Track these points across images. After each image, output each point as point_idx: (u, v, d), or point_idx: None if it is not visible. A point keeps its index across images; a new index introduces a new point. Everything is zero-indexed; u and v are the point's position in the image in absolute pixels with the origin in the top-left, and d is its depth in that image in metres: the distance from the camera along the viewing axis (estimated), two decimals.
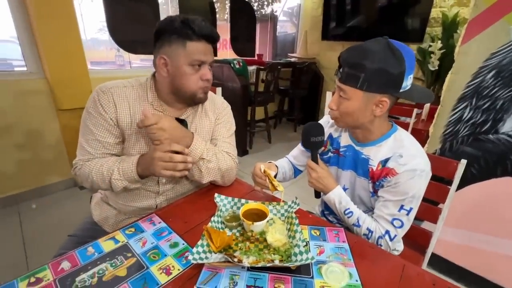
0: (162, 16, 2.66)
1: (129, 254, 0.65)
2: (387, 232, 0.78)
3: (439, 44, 2.49)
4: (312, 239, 0.73)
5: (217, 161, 0.91)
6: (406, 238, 0.87)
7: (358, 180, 0.87)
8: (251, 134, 3.25)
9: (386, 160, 0.78)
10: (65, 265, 0.62)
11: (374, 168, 0.81)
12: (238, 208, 0.81)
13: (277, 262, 0.61)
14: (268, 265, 0.59)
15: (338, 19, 3.80)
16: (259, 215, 0.74)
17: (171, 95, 0.87)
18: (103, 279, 0.58)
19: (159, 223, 0.78)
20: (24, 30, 1.85)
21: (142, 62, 3.02)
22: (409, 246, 0.99)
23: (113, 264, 0.62)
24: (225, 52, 3.77)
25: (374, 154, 0.81)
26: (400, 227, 0.77)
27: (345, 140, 0.90)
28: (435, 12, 2.93)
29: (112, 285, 0.57)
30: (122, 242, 0.70)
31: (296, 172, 1.10)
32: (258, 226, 0.71)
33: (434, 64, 2.57)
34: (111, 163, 0.82)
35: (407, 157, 0.75)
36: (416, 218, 0.81)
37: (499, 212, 1.32)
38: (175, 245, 0.69)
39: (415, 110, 1.85)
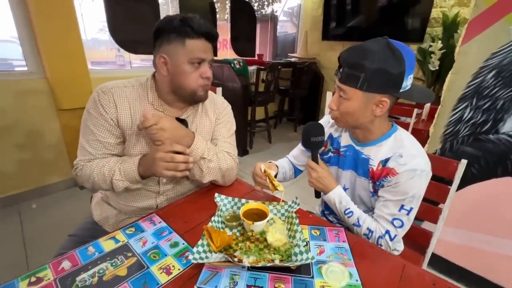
0: (163, 16, 2.66)
1: (130, 254, 0.65)
2: (387, 232, 0.78)
3: (439, 44, 2.49)
4: (312, 239, 0.73)
5: (218, 160, 0.91)
6: (406, 238, 0.87)
7: (358, 180, 0.87)
8: (251, 134, 3.25)
9: (386, 160, 0.78)
10: (66, 264, 0.62)
11: (374, 168, 0.81)
12: (239, 208, 0.81)
13: (277, 262, 0.61)
14: (268, 264, 0.59)
15: (339, 19, 3.80)
16: (259, 215, 0.74)
17: (172, 95, 0.87)
18: (103, 279, 0.58)
19: (160, 222, 0.78)
20: (24, 30, 1.85)
21: (142, 62, 3.02)
22: (409, 246, 0.99)
23: (114, 264, 0.62)
24: (226, 52, 3.77)
25: (374, 154, 0.81)
26: (400, 227, 0.77)
27: (345, 140, 0.90)
28: (435, 12, 2.93)
29: (113, 285, 0.57)
30: (122, 241, 0.70)
31: (296, 172, 1.10)
32: (258, 226, 0.71)
33: (434, 64, 2.57)
34: (112, 164, 0.82)
35: (407, 157, 0.75)
36: (416, 218, 0.81)
37: (499, 212, 1.31)
38: (175, 244, 0.69)
39: (416, 110, 1.85)
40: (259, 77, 3.03)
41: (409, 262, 0.67)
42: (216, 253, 0.63)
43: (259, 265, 0.59)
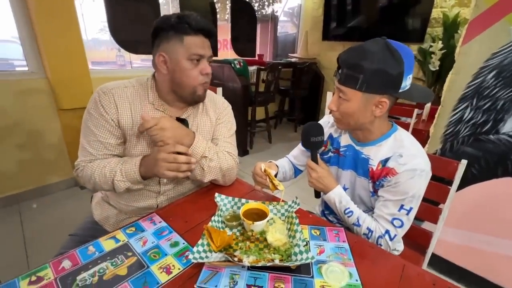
0: None
1: (130, 253, 0.66)
2: (387, 231, 0.78)
3: (439, 44, 2.49)
4: (312, 239, 0.73)
5: (219, 160, 0.91)
6: (406, 238, 0.87)
7: (358, 180, 0.87)
8: (251, 134, 3.25)
9: (386, 160, 0.78)
10: (66, 264, 0.62)
11: (374, 168, 0.81)
12: (239, 207, 0.82)
13: (277, 262, 0.61)
14: (268, 264, 0.59)
15: (339, 20, 3.80)
16: (259, 215, 0.74)
17: (172, 94, 0.88)
18: (103, 278, 0.58)
19: (160, 222, 0.78)
20: (25, 30, 1.86)
21: (143, 62, 3.03)
22: (410, 246, 1.00)
23: (114, 263, 0.62)
24: (226, 52, 3.77)
25: (374, 154, 0.82)
26: (400, 226, 0.77)
27: (345, 140, 0.90)
28: (435, 13, 2.93)
29: (113, 284, 0.57)
30: (122, 241, 0.70)
31: (297, 172, 1.11)
32: (258, 225, 0.71)
33: (434, 64, 2.57)
34: (113, 165, 0.82)
35: (407, 157, 0.75)
36: (416, 218, 0.81)
37: (499, 212, 1.31)
38: (175, 244, 0.69)
39: (416, 111, 1.85)
40: (259, 77, 3.03)
41: (409, 262, 0.67)
42: (216, 252, 0.63)
43: (259, 264, 0.59)
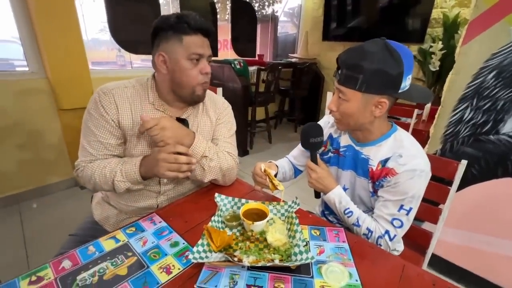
0: None
1: (130, 253, 0.66)
2: (387, 232, 0.78)
3: (440, 44, 2.49)
4: (312, 239, 0.73)
5: (219, 159, 0.91)
6: (406, 239, 0.88)
7: (358, 180, 0.87)
8: (251, 134, 3.25)
9: (386, 160, 0.78)
10: (66, 264, 0.62)
11: (374, 168, 0.81)
12: (239, 207, 0.82)
13: (277, 262, 0.61)
14: (268, 264, 0.59)
15: (339, 20, 3.80)
16: (259, 215, 0.74)
17: (172, 94, 0.88)
18: (103, 278, 0.58)
19: (160, 222, 0.78)
20: (26, 30, 1.86)
21: (143, 62, 3.03)
22: (409, 247, 1.00)
23: (114, 263, 0.62)
24: (226, 52, 3.77)
25: (374, 154, 0.82)
26: (400, 227, 0.78)
27: (345, 140, 0.91)
28: (436, 13, 2.93)
29: (113, 284, 0.57)
30: (122, 241, 0.70)
31: (296, 172, 1.11)
32: (258, 225, 0.71)
33: (435, 64, 2.57)
34: (113, 165, 0.82)
35: (407, 157, 0.75)
36: (416, 219, 0.81)
37: (499, 213, 1.31)
38: (175, 244, 0.69)
39: (416, 111, 1.85)
40: (259, 78, 3.03)
41: (409, 262, 0.67)
42: (216, 252, 0.64)
43: (259, 264, 0.60)
